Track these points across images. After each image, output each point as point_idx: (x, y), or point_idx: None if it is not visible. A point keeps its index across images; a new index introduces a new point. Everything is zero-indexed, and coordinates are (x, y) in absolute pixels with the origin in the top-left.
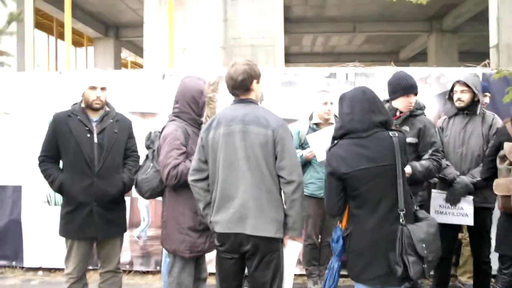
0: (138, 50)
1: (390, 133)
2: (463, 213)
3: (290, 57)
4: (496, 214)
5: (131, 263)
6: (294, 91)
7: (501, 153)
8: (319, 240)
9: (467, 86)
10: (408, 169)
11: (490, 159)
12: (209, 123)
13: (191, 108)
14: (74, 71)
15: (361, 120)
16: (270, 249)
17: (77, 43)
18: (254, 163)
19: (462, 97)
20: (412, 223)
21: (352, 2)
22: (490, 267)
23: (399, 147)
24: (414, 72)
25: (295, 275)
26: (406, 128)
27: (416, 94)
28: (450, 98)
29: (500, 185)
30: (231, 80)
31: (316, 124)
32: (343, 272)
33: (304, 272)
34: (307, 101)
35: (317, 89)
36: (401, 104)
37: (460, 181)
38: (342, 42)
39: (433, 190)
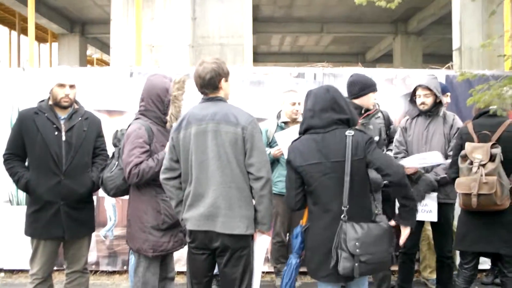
0: (104, 47)
1: (347, 131)
2: (427, 210)
3: (259, 57)
4: (458, 210)
5: (97, 263)
6: (262, 90)
7: (463, 152)
8: (287, 237)
9: (429, 89)
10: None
11: (456, 158)
12: (178, 122)
13: (156, 106)
14: (38, 68)
15: (321, 116)
16: (240, 245)
17: (41, 39)
18: (224, 161)
19: (426, 100)
20: (365, 222)
21: (320, 3)
22: (453, 261)
23: (351, 145)
24: (381, 73)
25: (263, 272)
26: (370, 126)
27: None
28: (412, 101)
29: (461, 184)
30: (199, 79)
31: (284, 122)
32: (304, 270)
33: (272, 270)
34: (275, 101)
35: (285, 88)
36: (369, 100)
37: (425, 178)
38: (310, 42)
39: None
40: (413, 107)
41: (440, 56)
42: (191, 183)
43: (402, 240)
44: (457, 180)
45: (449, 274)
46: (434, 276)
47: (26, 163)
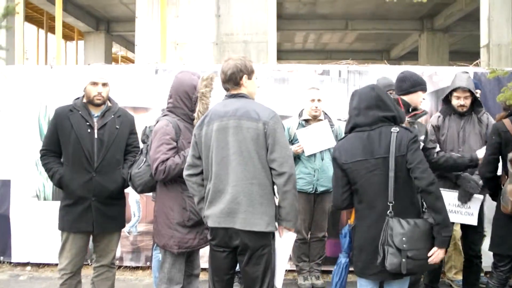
0: (129, 44)
1: (393, 128)
2: (470, 212)
3: (282, 54)
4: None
5: (121, 259)
6: (287, 87)
7: (511, 156)
8: (309, 235)
9: (470, 91)
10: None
11: (496, 157)
12: (201, 119)
13: (184, 103)
14: (65, 65)
15: (366, 114)
16: (261, 243)
17: (67, 37)
18: (246, 157)
19: (466, 102)
20: (411, 218)
21: (344, 0)
22: (481, 261)
23: (395, 141)
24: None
25: (286, 270)
26: (415, 125)
27: None
28: (448, 101)
29: None
30: (222, 74)
31: (305, 120)
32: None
33: (294, 268)
34: (300, 98)
35: (309, 86)
36: (418, 98)
37: (465, 176)
38: (334, 39)
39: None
40: (447, 106)
41: (467, 53)
42: (211, 180)
43: (431, 259)
44: (510, 186)
45: (476, 275)
46: (459, 277)
47: (62, 159)
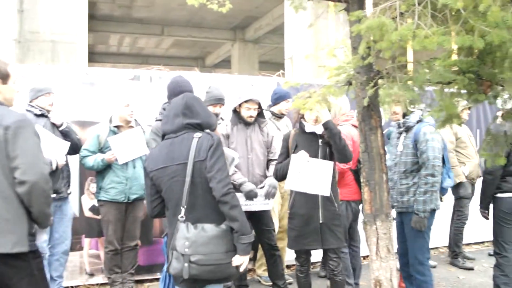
0: None
1: (195, 134)
2: (266, 202)
3: (95, 56)
4: None
5: None
6: (96, 92)
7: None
8: (120, 246)
9: (258, 103)
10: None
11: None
12: None
13: None
14: None
15: (173, 122)
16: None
17: None
18: None
19: (254, 114)
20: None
21: (161, 5)
22: (280, 253)
23: (195, 146)
24: (221, 79)
25: (97, 284)
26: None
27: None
28: (236, 111)
29: None
30: None
31: (116, 127)
32: None
33: (107, 281)
34: (109, 104)
35: (121, 91)
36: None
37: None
38: (150, 44)
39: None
40: (234, 115)
41: (275, 63)
42: None
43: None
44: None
45: (279, 267)
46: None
47: None
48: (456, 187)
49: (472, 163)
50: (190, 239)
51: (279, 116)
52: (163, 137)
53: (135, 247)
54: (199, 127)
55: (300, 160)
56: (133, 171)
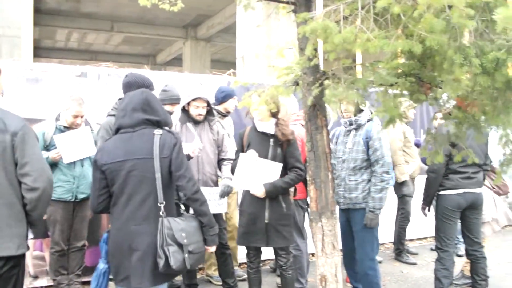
0: None
1: (156, 130)
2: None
3: (42, 51)
4: None
5: None
6: (41, 88)
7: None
8: (67, 246)
9: (206, 101)
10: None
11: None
12: None
13: None
14: None
15: (131, 116)
16: (10, 265)
17: None
18: None
19: (203, 112)
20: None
21: (109, 1)
22: (230, 252)
23: (159, 143)
24: (171, 77)
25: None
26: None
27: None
28: (185, 109)
29: None
30: None
31: (64, 126)
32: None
33: (52, 283)
34: (55, 101)
35: (67, 88)
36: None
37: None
38: (99, 40)
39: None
40: (183, 114)
41: (226, 62)
42: None
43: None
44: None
45: (230, 265)
46: (217, 273)
47: None
48: (400, 185)
49: (415, 163)
50: (185, 230)
51: (224, 115)
52: (117, 130)
53: (82, 248)
54: (157, 124)
55: (248, 159)
56: (81, 169)
